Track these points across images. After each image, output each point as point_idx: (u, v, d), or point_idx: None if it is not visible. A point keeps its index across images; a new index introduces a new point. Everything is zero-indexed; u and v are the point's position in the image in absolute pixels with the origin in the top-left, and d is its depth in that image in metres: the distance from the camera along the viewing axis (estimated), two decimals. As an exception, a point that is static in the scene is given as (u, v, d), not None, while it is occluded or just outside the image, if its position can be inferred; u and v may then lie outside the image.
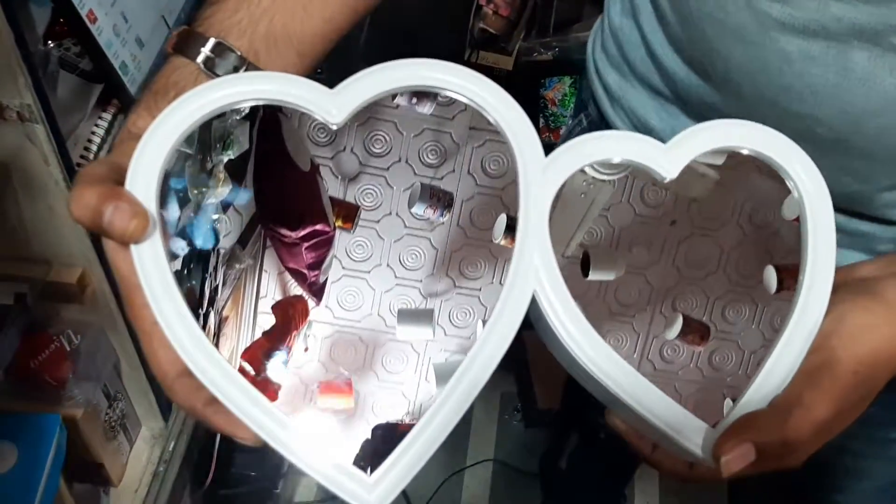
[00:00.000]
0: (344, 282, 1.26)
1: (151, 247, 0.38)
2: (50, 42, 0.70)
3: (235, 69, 0.47)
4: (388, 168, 1.20)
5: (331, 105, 0.40)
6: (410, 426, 0.36)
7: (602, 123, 0.67)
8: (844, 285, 0.40)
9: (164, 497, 0.96)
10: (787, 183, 0.40)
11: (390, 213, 1.22)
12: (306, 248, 1.05)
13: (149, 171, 0.39)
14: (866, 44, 0.44)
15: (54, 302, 0.83)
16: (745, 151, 0.40)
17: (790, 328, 0.39)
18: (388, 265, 1.26)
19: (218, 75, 0.46)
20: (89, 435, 0.86)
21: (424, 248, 1.23)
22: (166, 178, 0.40)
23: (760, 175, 0.42)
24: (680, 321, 0.44)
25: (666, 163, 0.40)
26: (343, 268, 1.27)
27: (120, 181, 0.39)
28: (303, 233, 1.02)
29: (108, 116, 0.78)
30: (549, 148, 0.39)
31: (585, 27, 1.41)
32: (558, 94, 1.41)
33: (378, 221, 1.23)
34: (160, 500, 0.95)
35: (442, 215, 1.06)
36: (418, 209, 1.06)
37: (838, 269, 0.40)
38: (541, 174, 0.40)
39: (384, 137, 1.18)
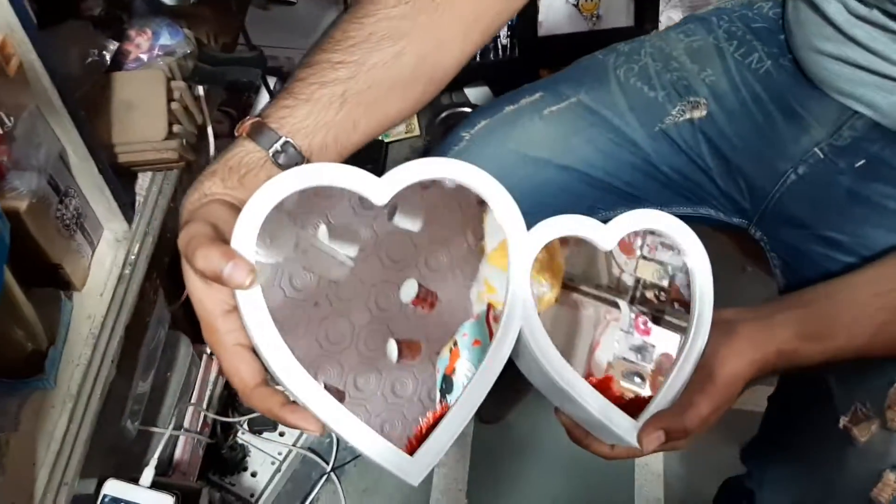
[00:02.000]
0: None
1: (254, 290, 0.49)
2: None
3: (295, 163, 0.58)
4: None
5: (377, 188, 0.52)
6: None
7: None
8: (715, 324, 0.59)
9: (131, 300, 0.90)
10: (684, 257, 0.58)
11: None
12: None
13: (250, 233, 0.50)
14: None
15: (-25, 76, 0.73)
16: (660, 230, 0.58)
17: (684, 355, 0.58)
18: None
19: (280, 164, 0.58)
20: (38, 231, 0.79)
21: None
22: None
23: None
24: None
25: (604, 237, 0.57)
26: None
27: (218, 236, 0.51)
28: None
29: None
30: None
31: None
32: None
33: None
34: (127, 303, 0.89)
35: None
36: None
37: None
38: (524, 243, 0.54)
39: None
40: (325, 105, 0.61)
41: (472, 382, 0.52)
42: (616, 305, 0.61)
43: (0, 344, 0.79)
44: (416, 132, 1.71)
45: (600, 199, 0.85)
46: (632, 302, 0.61)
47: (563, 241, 0.59)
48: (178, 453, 1.18)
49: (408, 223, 0.57)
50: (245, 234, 0.50)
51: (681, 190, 0.86)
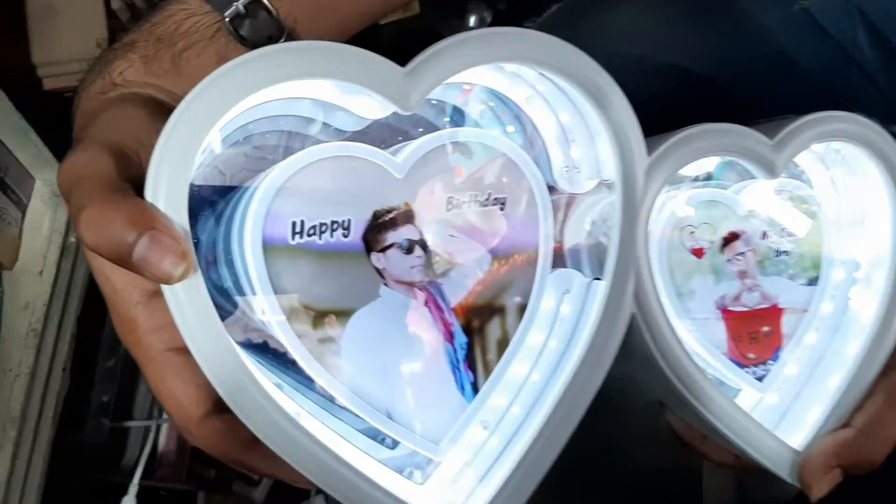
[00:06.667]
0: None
1: (194, 280, 0.31)
2: None
3: (268, 38, 0.42)
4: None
5: (404, 89, 0.35)
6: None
7: None
8: None
9: (82, 277, 0.73)
10: (882, 177, 0.45)
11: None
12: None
13: (183, 174, 0.30)
14: None
15: None
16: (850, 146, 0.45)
17: (868, 350, 0.44)
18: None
19: (243, 38, 0.41)
20: (-61, 199, 0.66)
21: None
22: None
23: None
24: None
25: (771, 159, 0.43)
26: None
27: (124, 173, 0.33)
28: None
29: None
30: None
31: None
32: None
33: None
34: (77, 282, 0.73)
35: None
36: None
37: None
38: (643, 177, 0.39)
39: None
40: None
41: (551, 405, 0.38)
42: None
43: None
44: (417, 10, 1.43)
45: (716, 108, 0.71)
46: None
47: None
48: (162, 443, 1.03)
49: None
50: (173, 176, 0.30)
51: (824, 89, 0.73)
